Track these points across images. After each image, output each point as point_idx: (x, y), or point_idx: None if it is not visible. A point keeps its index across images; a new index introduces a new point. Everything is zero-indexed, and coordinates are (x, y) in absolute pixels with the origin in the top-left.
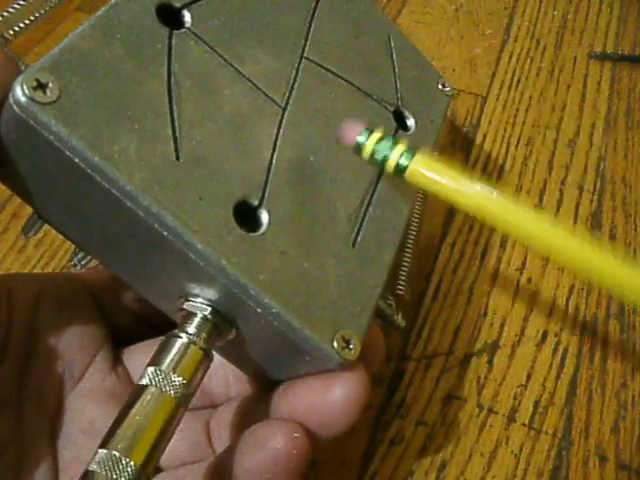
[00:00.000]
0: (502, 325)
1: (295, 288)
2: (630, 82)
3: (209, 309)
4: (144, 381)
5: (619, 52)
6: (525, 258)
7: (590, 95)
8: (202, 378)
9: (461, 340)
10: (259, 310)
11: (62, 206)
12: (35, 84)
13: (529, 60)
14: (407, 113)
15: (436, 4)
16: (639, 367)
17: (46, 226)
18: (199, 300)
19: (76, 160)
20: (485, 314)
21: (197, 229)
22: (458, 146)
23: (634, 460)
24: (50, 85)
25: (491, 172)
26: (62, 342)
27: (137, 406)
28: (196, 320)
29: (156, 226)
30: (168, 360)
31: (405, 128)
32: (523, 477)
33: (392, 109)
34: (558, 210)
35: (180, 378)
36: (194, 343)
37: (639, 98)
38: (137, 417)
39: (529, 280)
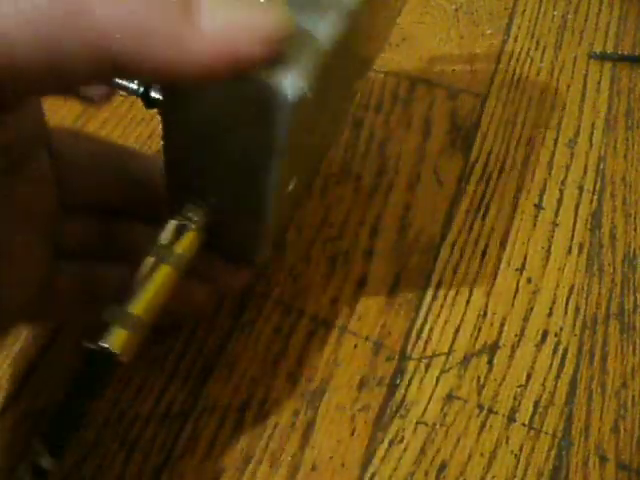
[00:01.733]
0: (502, 325)
1: None
2: (630, 82)
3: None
4: (148, 255)
5: (619, 52)
6: (525, 258)
7: (590, 95)
8: (197, 252)
9: (461, 340)
10: None
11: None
12: (304, 83)
13: (529, 60)
14: None
15: (436, 4)
16: (639, 367)
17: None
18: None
19: (275, 142)
20: (485, 314)
21: None
22: (458, 146)
23: (634, 460)
24: (308, 86)
25: (491, 172)
26: None
27: (142, 273)
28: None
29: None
30: (166, 237)
31: None
32: (523, 477)
33: None
34: (558, 210)
35: (179, 251)
36: (188, 223)
37: (639, 98)
38: (142, 281)
39: (529, 280)
